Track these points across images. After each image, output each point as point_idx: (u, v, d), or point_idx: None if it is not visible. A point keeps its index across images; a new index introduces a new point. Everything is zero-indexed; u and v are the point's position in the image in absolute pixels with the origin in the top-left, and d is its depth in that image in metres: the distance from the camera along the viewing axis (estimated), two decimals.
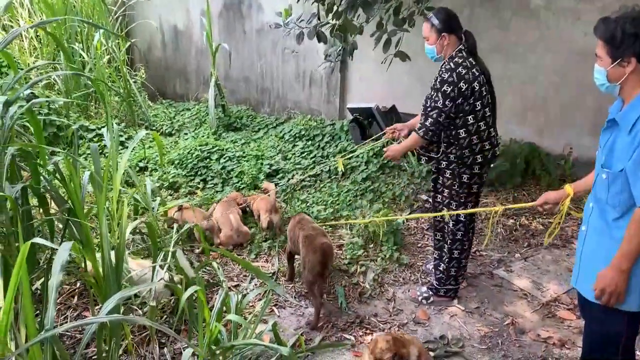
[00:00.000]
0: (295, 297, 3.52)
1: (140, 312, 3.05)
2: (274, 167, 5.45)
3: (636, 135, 2.00)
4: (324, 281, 3.31)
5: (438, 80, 3.07)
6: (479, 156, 3.17)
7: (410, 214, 4.63)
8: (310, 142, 6.03)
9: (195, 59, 8.12)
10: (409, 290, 3.60)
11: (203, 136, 6.33)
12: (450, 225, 3.36)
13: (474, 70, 3.05)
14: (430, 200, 3.82)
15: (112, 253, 2.57)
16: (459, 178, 3.22)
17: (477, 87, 3.04)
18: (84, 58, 6.64)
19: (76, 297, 3.25)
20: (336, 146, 5.78)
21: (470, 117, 3.09)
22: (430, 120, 3.09)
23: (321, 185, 5.14)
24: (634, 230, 2.01)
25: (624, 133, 2.07)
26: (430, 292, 3.53)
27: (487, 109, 3.14)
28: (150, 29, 8.00)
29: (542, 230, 4.46)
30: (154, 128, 6.77)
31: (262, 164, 5.47)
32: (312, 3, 4.38)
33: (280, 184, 5.09)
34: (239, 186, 5.08)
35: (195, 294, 2.49)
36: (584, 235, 2.30)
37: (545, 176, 5.04)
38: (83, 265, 2.79)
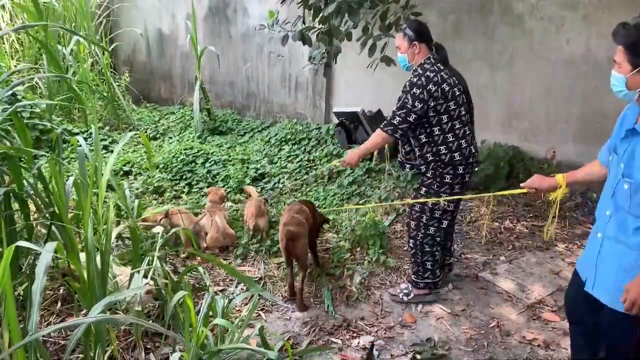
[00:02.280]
0: (282, 300, 3.51)
1: (129, 316, 3.01)
2: (260, 171, 5.45)
3: None
4: (301, 267, 3.42)
5: (408, 83, 3.17)
6: (456, 154, 3.20)
7: (395, 217, 4.65)
8: (296, 146, 6.04)
9: (180, 62, 8.09)
10: (410, 295, 3.60)
11: (188, 140, 6.30)
12: (424, 219, 3.38)
13: (442, 73, 3.14)
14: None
15: (98, 257, 2.54)
16: (441, 178, 3.25)
17: (448, 89, 3.12)
18: (67, 61, 6.58)
19: (60, 303, 3.20)
20: (322, 150, 5.79)
21: (444, 116, 3.16)
22: (398, 119, 3.16)
23: (307, 189, 5.14)
24: None
25: None
26: (410, 287, 3.56)
27: (462, 109, 3.20)
28: (134, 32, 7.95)
29: (526, 234, 4.51)
30: (138, 132, 6.71)
31: (248, 168, 5.46)
32: (299, 7, 4.39)
33: (268, 190, 5.08)
34: (226, 191, 5.06)
35: (181, 299, 2.47)
36: (599, 242, 2.27)
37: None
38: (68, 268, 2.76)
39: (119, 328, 2.99)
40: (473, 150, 3.27)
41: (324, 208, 4.62)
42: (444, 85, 3.11)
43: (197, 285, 3.56)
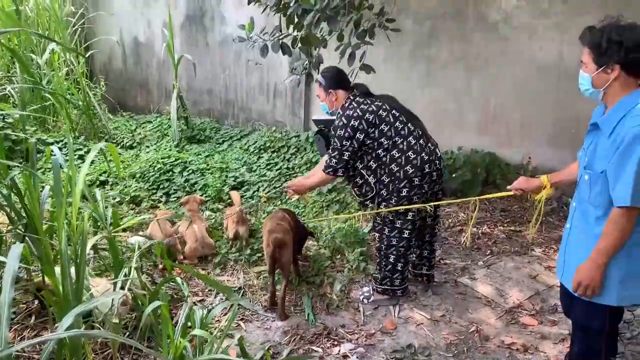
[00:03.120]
0: (263, 310, 3.48)
1: (102, 330, 2.95)
2: (239, 180, 5.42)
3: (615, 139, 2.10)
4: (284, 275, 3.41)
5: (333, 127, 3.34)
6: (408, 167, 3.27)
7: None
8: (275, 153, 6.02)
9: (157, 71, 8.03)
10: (371, 298, 3.61)
11: (165, 149, 6.25)
12: (386, 231, 3.43)
13: (362, 106, 3.32)
14: None
15: (72, 269, 2.49)
16: (397, 192, 3.32)
17: (372, 117, 3.28)
18: (41, 70, 6.47)
19: (34, 317, 3.13)
20: (302, 158, 5.79)
21: (382, 139, 3.29)
22: (334, 160, 3.35)
23: (287, 197, 5.12)
24: (610, 228, 2.13)
25: (605, 136, 2.17)
26: (372, 291, 3.60)
27: (397, 124, 3.31)
28: (110, 40, 7.87)
29: (503, 238, 4.56)
30: (114, 141, 6.64)
31: (226, 176, 5.42)
32: (274, 14, 4.38)
33: (249, 201, 5.05)
34: (205, 199, 5.02)
35: (159, 310, 2.44)
36: (567, 232, 2.44)
37: (505, 185, 5.10)
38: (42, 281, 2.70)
39: (95, 340, 2.93)
40: (426, 158, 3.30)
41: (304, 216, 4.61)
42: (367, 116, 3.27)
43: (175, 296, 3.52)
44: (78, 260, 2.52)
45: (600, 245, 2.17)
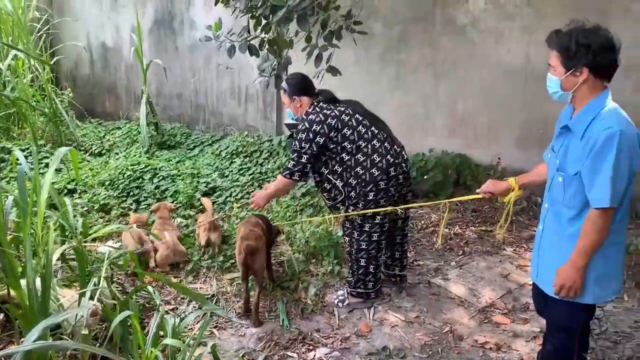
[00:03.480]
0: (236, 317, 3.44)
1: (70, 341, 2.88)
2: (210, 185, 5.36)
3: (588, 140, 2.13)
4: (257, 281, 3.39)
5: (304, 127, 3.33)
6: (373, 169, 3.28)
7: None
8: (247, 158, 5.99)
9: (125, 76, 7.90)
10: (345, 302, 3.61)
11: (135, 155, 6.14)
12: (355, 235, 3.44)
13: (324, 111, 3.34)
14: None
15: (38, 281, 2.43)
16: (364, 196, 3.33)
17: (335, 121, 3.30)
18: (4, 77, 6.30)
19: None
20: (274, 162, 5.77)
21: (345, 143, 3.31)
22: (292, 162, 3.40)
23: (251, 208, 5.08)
24: (588, 229, 2.16)
25: (576, 139, 2.20)
26: (346, 295, 3.60)
27: (359, 128, 3.33)
28: (77, 46, 7.72)
29: (475, 239, 4.62)
30: (82, 148, 6.51)
31: (198, 182, 5.36)
32: (242, 16, 4.36)
33: (222, 207, 5.00)
34: (175, 206, 4.95)
35: (130, 320, 2.39)
36: (540, 234, 2.46)
37: (476, 186, 5.18)
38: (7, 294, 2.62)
39: (64, 353, 2.85)
40: (392, 161, 3.31)
41: (277, 221, 4.58)
42: (329, 120, 3.29)
43: (147, 305, 3.46)
44: (44, 272, 2.45)
45: (579, 247, 2.19)
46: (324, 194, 3.55)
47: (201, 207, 4.90)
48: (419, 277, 3.98)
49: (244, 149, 6.08)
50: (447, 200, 3.29)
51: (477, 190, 2.89)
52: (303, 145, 3.31)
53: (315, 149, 3.31)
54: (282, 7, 3.75)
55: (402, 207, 3.36)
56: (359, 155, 3.31)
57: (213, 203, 4.97)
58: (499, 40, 5.13)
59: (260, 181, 5.45)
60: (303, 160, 3.34)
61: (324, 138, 3.28)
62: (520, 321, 3.45)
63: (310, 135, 3.28)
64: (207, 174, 5.61)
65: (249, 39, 4.36)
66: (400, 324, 3.43)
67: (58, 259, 3.09)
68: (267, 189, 3.66)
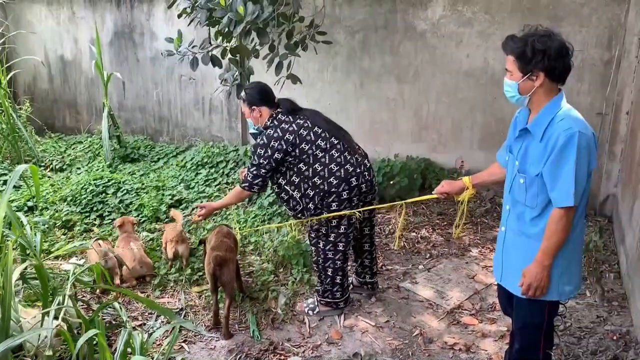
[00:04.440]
0: (206, 330, 3.40)
1: None
2: (176, 198, 5.29)
3: (547, 142, 2.19)
4: (227, 293, 3.35)
5: (262, 142, 3.32)
6: (331, 179, 3.28)
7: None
8: (213, 169, 5.94)
9: (85, 89, 7.75)
10: (316, 310, 3.60)
11: (97, 170, 6.03)
12: (321, 245, 3.45)
13: (282, 125, 3.33)
14: None
15: None
16: (327, 207, 3.33)
17: (292, 137, 3.30)
18: None
19: None
20: None
21: (302, 156, 3.30)
22: (251, 175, 3.36)
23: (227, 213, 5.05)
24: (552, 228, 2.22)
25: (535, 141, 2.26)
26: (316, 303, 3.60)
27: (318, 141, 3.32)
28: (34, 60, 7.54)
29: (441, 241, 4.68)
30: (42, 164, 6.34)
31: (163, 194, 5.28)
32: (203, 26, 4.34)
33: (188, 220, 4.94)
34: (140, 219, 4.87)
35: (96, 338, 2.33)
36: (503, 235, 2.51)
37: None
38: None
39: None
40: (351, 170, 3.31)
41: (243, 230, 4.55)
42: (287, 136, 3.29)
43: (114, 322, 3.38)
44: (3, 292, 2.38)
45: (544, 246, 2.25)
46: (284, 205, 3.55)
47: (167, 220, 4.84)
48: (388, 282, 4.01)
49: (209, 160, 6.03)
50: (403, 202, 3.32)
51: (433, 191, 2.93)
52: (261, 161, 3.30)
53: (273, 165, 3.31)
54: (241, 21, 3.75)
55: (360, 209, 3.36)
56: (317, 165, 3.30)
57: (170, 217, 4.91)
58: (459, 45, 5.24)
59: (227, 191, 5.40)
60: (262, 174, 3.33)
61: (281, 154, 3.28)
62: (488, 321, 3.51)
63: (269, 152, 3.28)
64: (172, 186, 5.54)
65: (210, 49, 4.34)
66: (371, 329, 3.45)
67: (18, 279, 3.00)
68: (218, 203, 3.74)
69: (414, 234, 4.79)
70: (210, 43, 4.39)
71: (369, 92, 5.76)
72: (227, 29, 3.95)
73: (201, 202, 5.21)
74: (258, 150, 3.31)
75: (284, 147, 3.27)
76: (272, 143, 3.27)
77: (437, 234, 4.81)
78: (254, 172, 3.34)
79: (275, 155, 3.27)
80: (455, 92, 5.37)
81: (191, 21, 4.51)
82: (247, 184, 3.39)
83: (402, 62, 5.54)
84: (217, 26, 4.10)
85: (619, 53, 4.67)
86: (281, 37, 4.35)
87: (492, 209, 5.19)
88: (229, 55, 4.35)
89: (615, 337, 3.27)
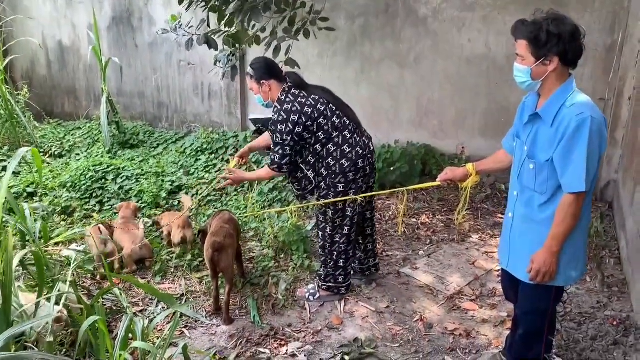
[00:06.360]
0: (206, 316, 3.41)
1: (36, 350, 2.80)
2: (176, 184, 5.28)
3: (558, 127, 2.17)
4: (227, 279, 3.35)
5: (272, 122, 3.26)
6: (343, 160, 3.28)
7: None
8: (213, 155, 5.92)
9: (84, 75, 7.70)
10: (316, 295, 3.61)
11: (97, 156, 6.00)
12: (328, 229, 3.45)
13: (299, 99, 3.25)
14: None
15: None
16: (334, 188, 3.33)
17: (310, 110, 3.23)
18: None
19: None
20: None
21: (319, 133, 3.26)
22: (278, 156, 3.28)
23: (227, 199, 5.05)
24: (563, 214, 2.21)
25: (546, 126, 2.23)
26: (317, 288, 3.61)
27: (334, 119, 3.30)
28: (32, 45, 7.48)
29: (442, 227, 4.68)
30: (41, 150, 6.32)
31: (163, 181, 5.27)
32: (203, 10, 4.30)
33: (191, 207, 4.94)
34: (140, 206, 4.86)
35: (97, 324, 2.34)
36: (510, 221, 2.49)
37: None
38: None
39: None
40: (360, 152, 3.32)
41: (245, 216, 4.55)
42: (305, 109, 3.22)
43: (115, 308, 3.39)
44: (4, 278, 2.37)
45: (554, 232, 2.24)
46: (295, 184, 3.51)
47: (167, 206, 4.83)
48: (388, 268, 4.02)
49: (209, 146, 6.01)
50: (404, 189, 3.31)
51: (438, 178, 2.89)
52: (284, 137, 3.22)
53: (296, 139, 3.23)
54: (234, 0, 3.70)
55: (361, 195, 3.36)
56: (330, 145, 3.29)
57: (178, 202, 4.90)
58: (460, 30, 5.19)
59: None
60: (287, 152, 3.25)
61: (302, 127, 3.21)
62: (488, 307, 3.52)
63: (290, 126, 3.19)
64: (172, 172, 5.53)
65: (208, 32, 4.30)
66: (371, 314, 3.45)
67: (18, 265, 2.99)
68: (248, 174, 3.62)
69: (415, 220, 4.79)
70: (208, 26, 4.35)
71: (370, 77, 5.73)
72: (223, 8, 3.89)
73: (200, 188, 5.20)
74: (279, 127, 3.21)
75: (304, 120, 3.20)
76: (291, 117, 3.19)
77: (438, 220, 4.80)
78: (280, 152, 3.26)
79: (297, 129, 3.19)
80: (457, 78, 5.33)
81: (189, 5, 4.46)
82: (276, 165, 3.31)
83: (403, 48, 5.50)
84: (216, 10, 4.05)
85: (621, 38, 4.63)
86: (282, 23, 4.31)
87: (493, 194, 5.18)
88: (231, 40, 4.30)
89: (615, 323, 3.28)
